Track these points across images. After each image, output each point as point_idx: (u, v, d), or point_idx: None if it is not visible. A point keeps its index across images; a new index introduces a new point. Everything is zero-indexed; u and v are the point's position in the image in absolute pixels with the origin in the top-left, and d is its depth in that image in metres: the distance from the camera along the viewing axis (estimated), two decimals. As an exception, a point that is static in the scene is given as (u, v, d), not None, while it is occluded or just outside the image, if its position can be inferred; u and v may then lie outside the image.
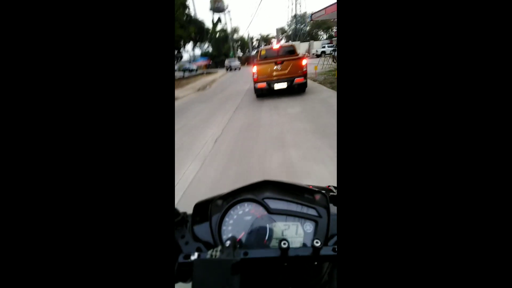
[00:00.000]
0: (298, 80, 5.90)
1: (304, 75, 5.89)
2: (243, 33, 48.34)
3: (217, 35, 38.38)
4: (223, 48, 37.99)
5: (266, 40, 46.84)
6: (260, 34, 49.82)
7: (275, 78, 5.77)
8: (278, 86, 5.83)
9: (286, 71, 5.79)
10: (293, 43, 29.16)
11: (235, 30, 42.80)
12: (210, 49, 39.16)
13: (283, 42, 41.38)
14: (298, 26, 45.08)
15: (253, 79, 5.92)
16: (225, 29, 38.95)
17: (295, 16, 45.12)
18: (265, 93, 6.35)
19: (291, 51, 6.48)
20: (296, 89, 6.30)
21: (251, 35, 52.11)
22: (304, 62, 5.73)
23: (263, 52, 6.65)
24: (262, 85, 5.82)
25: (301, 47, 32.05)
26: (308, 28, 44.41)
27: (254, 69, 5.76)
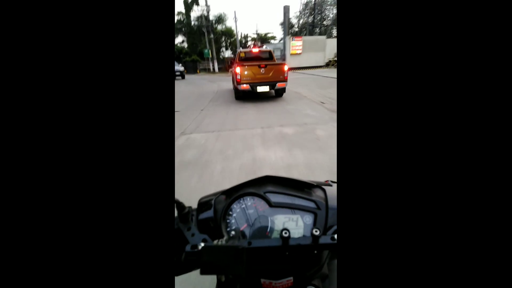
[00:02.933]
0: (280, 84, 6.25)
1: (286, 80, 6.26)
2: (232, 24, 33.37)
3: (193, 25, 24.99)
4: (201, 44, 24.67)
5: (264, 39, 34.00)
6: (256, 32, 37.38)
7: (258, 81, 6.07)
8: (261, 89, 6.14)
9: (270, 75, 6.11)
10: (317, 37, 22.42)
11: (219, 20, 27.40)
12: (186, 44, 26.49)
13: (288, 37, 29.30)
14: (316, 16, 29.91)
15: (236, 80, 6.13)
16: (205, 15, 23.88)
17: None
18: (243, 96, 6.70)
19: (269, 56, 7.14)
20: (275, 94, 6.85)
21: (244, 33, 37.82)
22: (286, 67, 6.16)
23: (242, 54, 7.15)
24: (246, 87, 6.09)
25: (328, 46, 19.79)
26: (329, 22, 29.83)
27: (238, 70, 5.99)
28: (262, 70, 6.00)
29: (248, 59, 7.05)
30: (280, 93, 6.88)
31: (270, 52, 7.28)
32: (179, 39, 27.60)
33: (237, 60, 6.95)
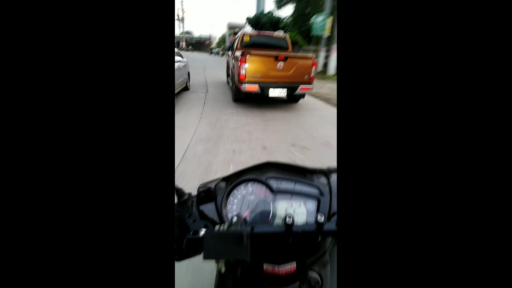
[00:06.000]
0: (303, 88, 4.04)
1: (311, 82, 3.97)
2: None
3: None
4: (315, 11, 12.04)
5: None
6: None
7: (272, 80, 4.04)
8: (274, 93, 4.12)
9: (290, 73, 4.01)
10: None
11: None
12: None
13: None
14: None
15: (239, 75, 3.99)
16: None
17: None
18: (245, 99, 4.58)
19: (283, 45, 5.03)
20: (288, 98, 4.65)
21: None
22: (314, 63, 3.94)
23: (246, 39, 4.98)
24: (253, 87, 4.03)
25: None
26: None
27: (245, 61, 3.89)
28: (279, 64, 3.95)
29: (254, 45, 4.95)
30: (297, 98, 4.63)
31: (285, 40, 5.10)
32: (288, 10, 15.82)
33: (239, 46, 4.92)
